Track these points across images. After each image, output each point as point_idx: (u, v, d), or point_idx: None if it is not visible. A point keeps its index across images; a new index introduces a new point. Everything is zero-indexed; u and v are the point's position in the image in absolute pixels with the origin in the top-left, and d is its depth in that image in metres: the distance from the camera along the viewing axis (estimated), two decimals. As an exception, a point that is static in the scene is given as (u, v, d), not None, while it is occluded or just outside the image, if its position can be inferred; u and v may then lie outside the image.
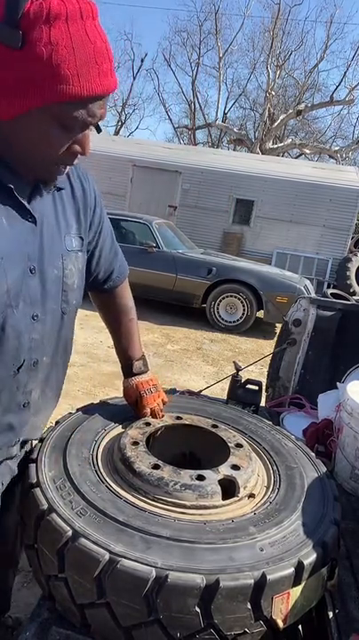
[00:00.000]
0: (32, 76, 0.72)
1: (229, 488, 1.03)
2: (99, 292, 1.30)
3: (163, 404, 1.34)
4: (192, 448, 1.35)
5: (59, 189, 0.99)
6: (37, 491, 0.96)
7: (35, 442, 1.15)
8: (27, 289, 0.91)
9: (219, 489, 1.01)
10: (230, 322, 6.57)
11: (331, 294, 7.46)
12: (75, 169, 1.04)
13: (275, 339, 2.50)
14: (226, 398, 1.87)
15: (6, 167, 0.85)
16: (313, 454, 1.25)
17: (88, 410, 1.31)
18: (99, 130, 0.90)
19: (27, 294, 0.91)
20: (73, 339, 1.14)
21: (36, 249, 0.92)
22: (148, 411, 1.28)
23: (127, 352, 1.35)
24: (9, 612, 1.55)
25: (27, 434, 1.08)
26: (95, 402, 1.40)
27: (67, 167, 0.90)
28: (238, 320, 6.54)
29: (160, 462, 1.06)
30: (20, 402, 1.00)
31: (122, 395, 1.37)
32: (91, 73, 0.73)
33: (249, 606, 0.81)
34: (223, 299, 6.55)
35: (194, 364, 5.12)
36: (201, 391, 1.95)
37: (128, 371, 1.34)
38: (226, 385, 1.97)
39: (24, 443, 1.12)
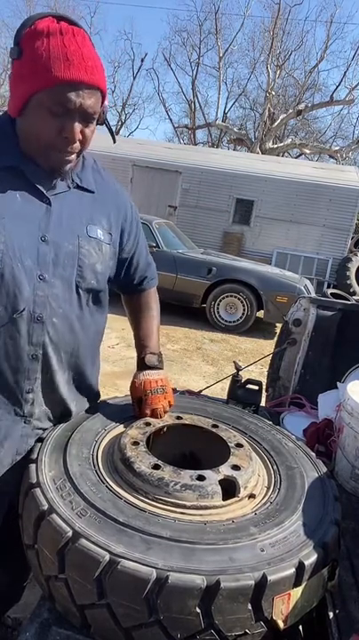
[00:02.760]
0: (23, 74, 0.98)
1: (230, 488, 1.02)
2: (130, 294, 1.46)
3: (169, 406, 1.31)
4: (192, 448, 1.35)
5: (90, 192, 1.19)
6: (37, 491, 0.96)
7: (73, 410, 1.25)
8: (36, 252, 1.07)
9: (219, 489, 1.01)
10: (230, 322, 6.57)
11: (331, 294, 7.45)
12: (115, 186, 1.29)
13: (275, 339, 2.50)
14: (226, 398, 1.87)
15: (29, 159, 1.06)
16: (313, 454, 1.25)
17: (88, 410, 1.31)
18: (114, 140, 1.21)
19: (35, 256, 1.07)
20: (101, 322, 1.30)
21: (50, 224, 1.09)
22: (150, 412, 1.27)
23: (144, 345, 1.39)
24: (9, 612, 1.55)
25: (42, 389, 1.16)
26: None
27: (72, 155, 1.06)
28: (238, 320, 6.54)
29: (160, 462, 1.06)
30: (28, 352, 1.10)
31: (122, 394, 1.36)
32: (60, 67, 0.95)
33: (249, 607, 0.81)
34: (223, 298, 6.55)
35: (194, 364, 5.12)
36: (201, 391, 1.94)
37: (141, 363, 1.35)
38: (226, 385, 1.97)
39: (42, 404, 1.18)
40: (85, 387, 1.30)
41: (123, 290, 1.44)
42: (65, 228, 1.12)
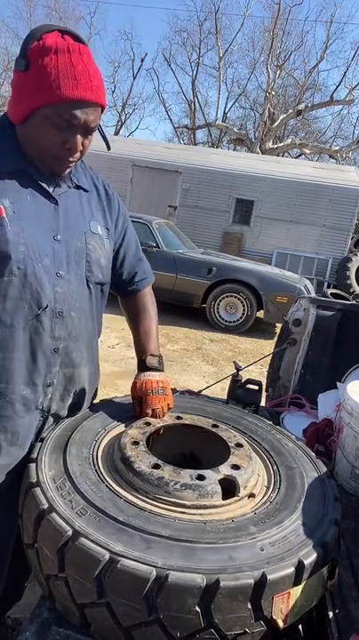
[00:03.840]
0: (30, 87, 1.02)
1: (229, 488, 1.03)
2: (124, 294, 1.47)
3: (169, 408, 1.33)
4: (192, 448, 1.35)
5: (85, 190, 1.25)
6: (37, 490, 0.96)
7: (85, 397, 1.31)
8: (52, 251, 1.13)
9: (219, 489, 1.01)
10: (230, 322, 6.57)
11: (331, 294, 7.45)
12: (103, 182, 1.33)
13: (275, 339, 2.50)
14: (226, 398, 1.87)
15: (31, 161, 1.11)
16: (313, 454, 1.25)
17: (88, 409, 1.31)
18: (108, 147, 1.28)
19: (51, 255, 1.13)
20: (102, 315, 1.34)
21: (59, 223, 1.15)
22: (150, 412, 1.28)
23: (144, 347, 1.40)
24: (9, 612, 1.55)
25: (61, 382, 1.21)
26: (95, 402, 1.40)
27: (72, 163, 1.13)
28: (238, 320, 6.54)
29: (160, 462, 1.06)
30: (50, 345, 1.16)
31: (122, 394, 1.36)
32: (68, 85, 1.00)
33: (249, 606, 0.81)
34: (223, 299, 6.55)
35: (194, 364, 5.12)
36: (201, 391, 1.95)
37: (141, 365, 1.37)
38: (226, 385, 1.97)
39: (62, 399, 1.24)
40: (96, 379, 1.38)
41: (116, 288, 1.44)
42: (72, 227, 1.18)
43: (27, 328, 1.12)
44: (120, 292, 1.47)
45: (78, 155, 1.11)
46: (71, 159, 1.11)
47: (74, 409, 1.29)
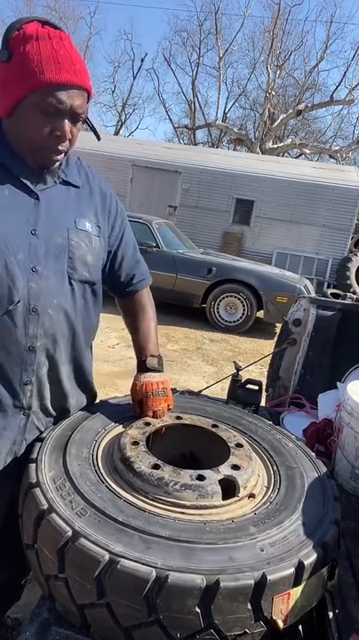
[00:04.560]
0: (13, 77, 1.01)
1: (229, 488, 1.03)
2: (122, 295, 1.45)
3: (169, 409, 1.32)
4: (192, 448, 1.35)
5: (75, 186, 1.22)
6: (37, 490, 0.96)
7: (72, 405, 1.29)
8: (28, 245, 1.10)
9: (219, 489, 1.01)
10: (230, 322, 6.57)
11: (331, 294, 7.44)
12: (99, 180, 1.31)
13: (275, 339, 2.50)
14: (226, 398, 1.87)
15: (15, 156, 1.10)
16: (313, 454, 1.25)
17: (88, 409, 1.31)
18: (98, 137, 1.23)
19: (27, 249, 1.10)
20: (95, 316, 1.31)
21: (39, 217, 1.12)
22: (151, 414, 1.28)
23: (143, 348, 1.39)
24: (9, 612, 1.55)
25: (40, 381, 1.18)
26: (95, 402, 1.40)
27: (62, 153, 1.11)
28: (238, 320, 6.54)
29: (160, 462, 1.06)
30: (24, 343, 1.13)
31: (122, 394, 1.36)
32: (52, 69, 0.99)
33: (249, 607, 0.81)
34: (223, 299, 6.55)
35: (194, 364, 5.12)
36: (201, 391, 1.94)
37: (141, 366, 1.36)
38: (226, 385, 1.97)
39: (42, 397, 1.21)
40: (84, 381, 1.33)
41: (114, 290, 1.43)
42: (54, 222, 1.15)
43: None
44: (118, 294, 1.45)
45: (67, 143, 1.10)
46: (61, 148, 1.09)
47: (59, 407, 1.26)
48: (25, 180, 1.11)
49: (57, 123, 1.04)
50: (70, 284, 1.19)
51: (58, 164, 1.13)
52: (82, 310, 1.24)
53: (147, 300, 1.46)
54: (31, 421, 1.20)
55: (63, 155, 1.12)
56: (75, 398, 1.30)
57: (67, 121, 1.05)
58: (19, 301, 1.09)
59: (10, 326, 1.10)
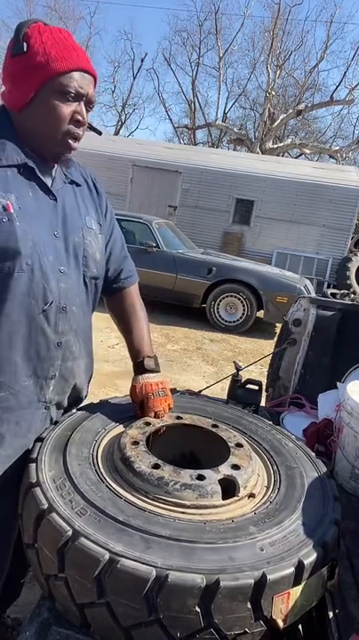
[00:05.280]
0: (36, 63, 1.04)
1: (229, 488, 1.03)
2: (109, 293, 1.44)
3: (169, 409, 1.33)
4: (192, 448, 1.35)
5: (78, 185, 1.26)
6: (37, 490, 0.96)
7: (84, 397, 1.37)
8: (54, 247, 1.15)
9: (219, 489, 1.01)
10: (230, 322, 6.57)
11: (331, 294, 7.45)
12: (91, 176, 1.33)
13: (275, 339, 2.50)
14: (226, 398, 1.87)
15: (31, 153, 1.11)
16: (313, 454, 1.25)
17: (88, 409, 1.31)
18: (99, 132, 1.29)
19: (54, 251, 1.14)
20: (93, 310, 1.35)
21: (59, 220, 1.17)
22: (152, 414, 1.28)
23: (138, 350, 1.39)
24: (9, 612, 1.55)
25: (62, 375, 1.23)
26: (95, 402, 1.40)
27: (77, 142, 1.13)
28: (238, 320, 6.54)
29: (160, 462, 1.06)
30: (54, 340, 1.17)
31: (122, 394, 1.36)
32: (71, 55, 1.06)
33: (249, 606, 0.81)
34: (223, 299, 6.55)
35: (194, 364, 5.12)
36: (201, 391, 1.94)
37: (139, 368, 1.36)
38: (226, 385, 1.97)
39: (62, 391, 1.25)
40: (91, 372, 1.40)
41: (102, 288, 1.41)
42: (70, 222, 1.19)
43: (32, 323, 1.13)
44: (105, 291, 1.42)
45: (81, 131, 1.13)
46: (79, 132, 1.12)
47: (72, 399, 1.32)
48: (45, 180, 1.14)
49: (77, 107, 1.08)
50: (84, 281, 1.24)
51: (71, 155, 1.16)
52: (90, 305, 1.31)
53: (136, 299, 1.46)
54: (49, 415, 1.24)
55: (78, 144, 1.14)
56: (85, 392, 1.37)
57: (84, 106, 1.10)
58: (52, 302, 1.14)
59: (44, 325, 1.14)
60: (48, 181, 1.15)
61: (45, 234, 1.12)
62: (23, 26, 1.06)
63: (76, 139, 1.12)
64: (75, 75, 1.05)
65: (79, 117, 1.09)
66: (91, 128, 1.24)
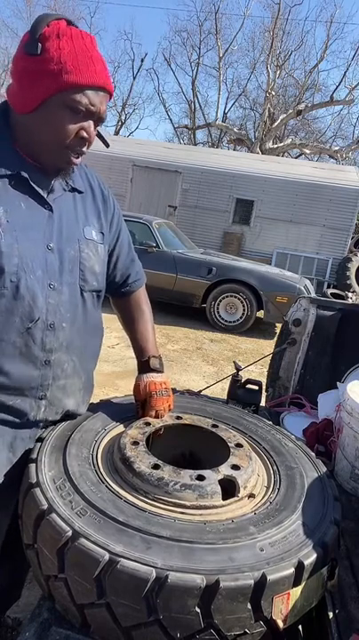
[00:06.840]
0: (47, 71, 0.96)
1: (229, 488, 1.03)
2: (117, 296, 1.42)
3: (169, 409, 1.33)
4: (192, 448, 1.35)
5: (80, 192, 1.20)
6: (37, 490, 0.96)
7: (78, 405, 1.27)
8: (45, 261, 1.08)
9: (219, 489, 1.01)
10: (230, 322, 6.57)
11: (331, 294, 7.44)
12: (98, 180, 1.28)
13: (275, 339, 2.50)
14: (226, 398, 1.87)
15: (30, 163, 1.06)
16: (313, 454, 1.25)
17: (88, 410, 1.31)
18: (107, 144, 1.22)
19: (44, 265, 1.08)
20: (102, 322, 1.31)
21: (54, 231, 1.10)
22: (154, 413, 1.28)
23: (144, 349, 1.38)
24: (9, 612, 1.55)
25: (54, 395, 1.16)
26: (95, 402, 1.40)
27: (80, 158, 1.08)
28: (238, 320, 6.54)
29: (160, 462, 1.06)
30: (41, 358, 1.11)
31: (122, 394, 1.36)
32: (88, 69, 0.97)
33: (249, 606, 0.81)
34: (223, 299, 6.54)
35: (194, 364, 5.12)
36: (201, 391, 1.94)
37: (144, 366, 1.36)
38: (226, 385, 1.97)
39: (51, 406, 1.18)
40: (91, 388, 1.33)
41: (109, 290, 1.38)
42: (66, 234, 1.13)
43: (17, 341, 1.07)
44: (113, 294, 1.41)
45: (86, 148, 1.06)
46: (82, 150, 1.06)
47: (68, 417, 1.25)
48: (40, 190, 1.07)
49: (84, 124, 1.02)
50: (82, 295, 1.18)
51: (73, 166, 1.10)
52: (90, 318, 1.23)
53: (143, 300, 1.44)
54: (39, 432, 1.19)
55: (81, 159, 1.09)
56: (84, 404, 1.29)
57: (93, 124, 1.04)
58: (38, 319, 1.08)
59: (29, 343, 1.09)
60: (44, 191, 1.08)
61: (36, 248, 1.06)
62: (42, 21, 0.96)
63: (79, 154, 1.07)
64: (89, 92, 0.98)
65: (85, 135, 1.03)
66: (100, 138, 1.16)
